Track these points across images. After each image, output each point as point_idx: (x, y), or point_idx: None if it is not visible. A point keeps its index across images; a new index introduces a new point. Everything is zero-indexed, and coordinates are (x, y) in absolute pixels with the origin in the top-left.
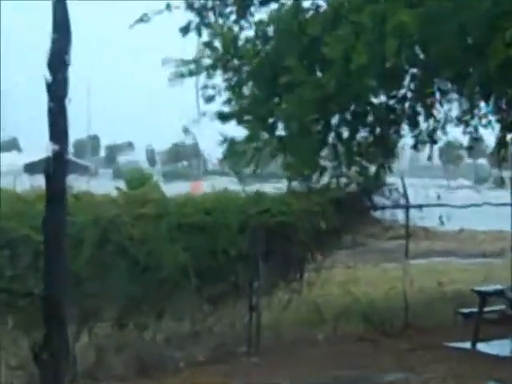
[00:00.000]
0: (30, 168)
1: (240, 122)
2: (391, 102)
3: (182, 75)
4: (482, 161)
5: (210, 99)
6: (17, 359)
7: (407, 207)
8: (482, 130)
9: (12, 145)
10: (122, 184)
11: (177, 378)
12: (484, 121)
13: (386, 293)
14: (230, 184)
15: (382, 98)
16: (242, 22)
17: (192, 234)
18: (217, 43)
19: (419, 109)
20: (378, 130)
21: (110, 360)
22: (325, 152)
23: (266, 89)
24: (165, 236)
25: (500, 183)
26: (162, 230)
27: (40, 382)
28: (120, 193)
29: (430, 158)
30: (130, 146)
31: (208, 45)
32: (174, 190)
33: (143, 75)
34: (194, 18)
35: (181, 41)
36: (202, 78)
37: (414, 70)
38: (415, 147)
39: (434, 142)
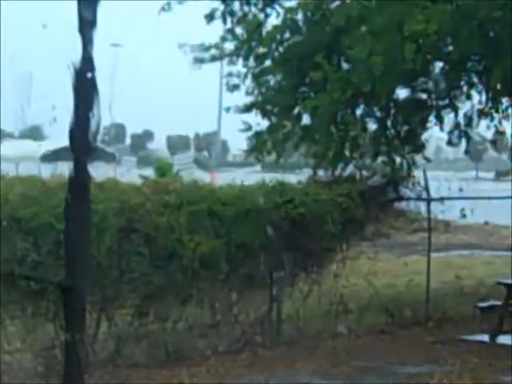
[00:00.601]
0: (50, 156)
1: (263, 111)
2: (418, 95)
3: (203, 61)
4: (504, 155)
5: (234, 88)
6: (41, 344)
7: (429, 200)
8: (504, 124)
9: (34, 133)
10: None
11: (200, 368)
12: (506, 114)
13: (408, 285)
14: (253, 174)
15: (408, 92)
16: (269, 10)
17: (216, 224)
18: (240, 30)
19: (445, 102)
20: (403, 123)
21: (131, 348)
22: (351, 144)
23: (292, 78)
24: (189, 225)
25: None
26: (187, 219)
27: (63, 367)
28: (147, 181)
29: (467, 152)
30: (150, 134)
31: (231, 31)
32: (202, 178)
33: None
34: (219, 5)
35: (205, 29)
36: (225, 66)
37: (441, 64)
38: (449, 143)
39: (466, 136)
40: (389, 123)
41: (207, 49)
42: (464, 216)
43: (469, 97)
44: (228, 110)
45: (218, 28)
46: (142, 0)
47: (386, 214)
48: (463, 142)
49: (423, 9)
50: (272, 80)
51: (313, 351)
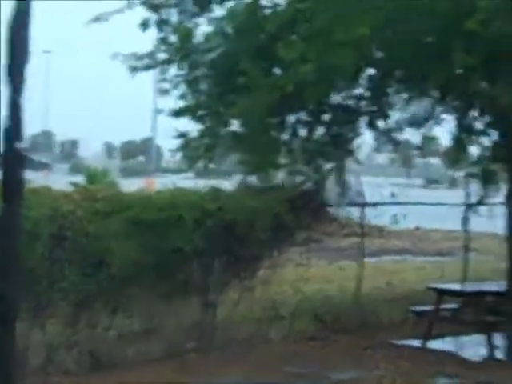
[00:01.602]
0: None
1: (194, 117)
2: (348, 101)
3: (136, 69)
4: (435, 161)
5: (164, 92)
6: None
7: (362, 205)
8: (435, 130)
9: None
10: (79, 179)
11: (130, 375)
12: (439, 121)
13: (340, 291)
14: (185, 181)
15: (339, 98)
16: (201, 19)
17: (147, 231)
18: (173, 38)
19: (375, 108)
20: (334, 128)
21: (62, 356)
22: (281, 150)
23: (222, 85)
24: (120, 232)
25: (452, 183)
26: (117, 226)
27: None
28: (77, 188)
29: (393, 160)
30: (83, 141)
31: (164, 40)
32: (130, 185)
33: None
34: (151, 14)
35: (141, 36)
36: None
37: (371, 70)
38: (377, 149)
39: (396, 143)
40: (320, 129)
41: (141, 58)
42: (396, 221)
43: (399, 103)
44: (160, 112)
45: (153, 35)
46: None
47: (318, 219)
48: (393, 148)
49: (357, 14)
50: (203, 86)
51: (245, 357)
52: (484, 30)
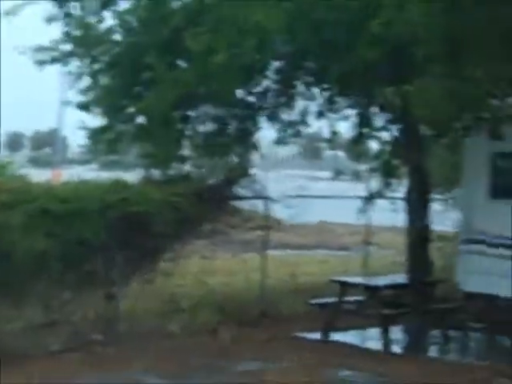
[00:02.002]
0: None
1: (97, 111)
2: (251, 95)
3: (44, 62)
4: (341, 154)
5: (70, 87)
6: None
7: (267, 198)
8: (340, 124)
9: None
10: None
11: (33, 367)
12: (342, 114)
13: (244, 283)
14: (90, 172)
15: (243, 92)
16: (104, 13)
17: (51, 222)
18: (76, 32)
19: (281, 101)
20: (238, 122)
21: None
22: (186, 143)
23: (125, 79)
24: (24, 224)
25: (356, 176)
26: (22, 218)
27: None
28: None
29: (295, 151)
30: None
31: (67, 34)
32: (38, 176)
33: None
34: (54, 7)
35: (46, 30)
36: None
37: (277, 63)
38: (279, 141)
39: (298, 135)
40: (225, 122)
41: (45, 51)
42: (300, 214)
43: (304, 97)
44: (66, 104)
45: (58, 29)
46: None
47: (223, 212)
48: (299, 141)
49: (263, 5)
50: (106, 80)
51: (146, 350)
52: (387, 30)
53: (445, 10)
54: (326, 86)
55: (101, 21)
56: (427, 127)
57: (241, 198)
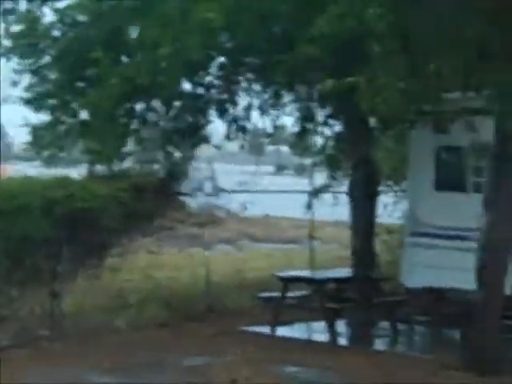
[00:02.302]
0: None
1: (42, 106)
2: (198, 89)
3: None
4: (285, 148)
5: (14, 84)
6: None
7: (213, 193)
8: (285, 118)
9: None
10: None
11: None
12: (286, 109)
13: (190, 278)
14: (35, 169)
15: (190, 86)
16: (47, 8)
17: None
18: (18, 28)
19: (226, 96)
20: (185, 116)
21: None
22: (131, 138)
23: (70, 74)
24: None
25: (300, 171)
26: None
27: None
28: None
29: (242, 146)
30: None
31: (8, 29)
32: None
33: None
34: None
35: None
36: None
37: (222, 58)
38: (228, 137)
39: (244, 130)
40: (171, 116)
41: None
42: (245, 208)
43: (249, 91)
44: (6, 100)
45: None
46: None
47: (169, 207)
48: (243, 135)
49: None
50: (50, 75)
51: (92, 346)
52: (338, 24)
53: (394, 6)
54: (269, 81)
55: (41, 17)
56: (374, 119)
57: (186, 194)
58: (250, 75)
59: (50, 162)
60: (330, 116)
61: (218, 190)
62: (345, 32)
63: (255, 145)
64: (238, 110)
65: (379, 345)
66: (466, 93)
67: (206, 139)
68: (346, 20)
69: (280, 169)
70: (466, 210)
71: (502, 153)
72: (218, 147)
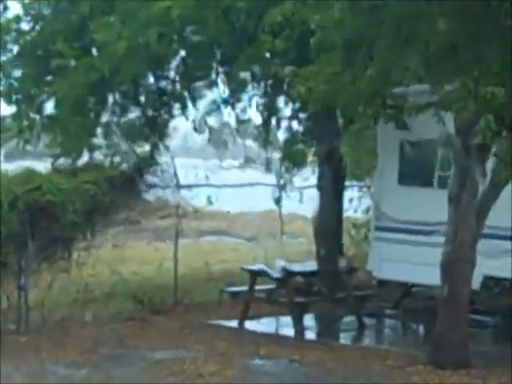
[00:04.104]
0: None
1: (9, 101)
2: (161, 83)
3: None
4: (251, 143)
5: None
6: None
7: (178, 187)
8: (250, 113)
9: None
10: None
11: None
12: (251, 103)
13: (157, 271)
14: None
15: (155, 80)
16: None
17: None
18: None
19: (190, 90)
20: (149, 110)
21: None
22: (98, 131)
23: (36, 67)
24: None
25: (266, 165)
26: None
27: None
28: None
29: (209, 140)
30: None
31: None
32: None
33: None
34: None
35: None
36: None
37: (183, 53)
38: (195, 130)
39: (207, 124)
40: (136, 111)
41: None
42: (211, 202)
43: (213, 86)
44: None
45: None
46: None
47: (136, 200)
48: (208, 129)
49: None
50: (16, 69)
51: (59, 340)
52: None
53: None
54: (234, 74)
55: (7, 9)
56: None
57: (152, 187)
58: (215, 68)
59: (14, 155)
60: (298, 110)
61: (181, 184)
62: (300, 23)
63: (221, 139)
64: (203, 104)
65: (347, 339)
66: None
67: (166, 135)
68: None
69: (246, 163)
70: (432, 205)
71: (464, 147)
72: (167, 148)
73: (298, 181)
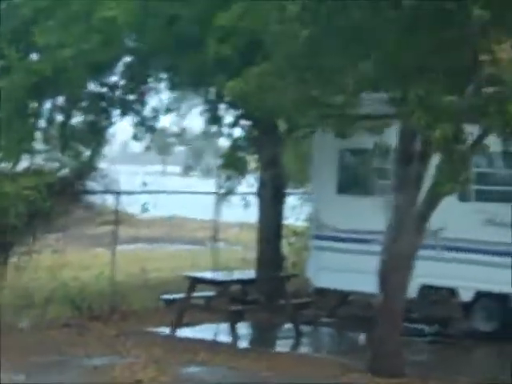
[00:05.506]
0: None
1: None
2: (103, 89)
3: None
4: (193, 149)
5: None
6: None
7: (117, 193)
8: (193, 119)
9: None
10: None
11: None
12: (193, 111)
13: (95, 278)
14: None
15: (96, 85)
16: None
17: None
18: None
19: (132, 97)
20: (90, 116)
21: None
22: (38, 135)
23: None
24: None
25: (207, 172)
26: None
27: None
28: None
29: (148, 147)
30: None
31: None
32: None
33: None
34: None
35: None
36: None
37: (128, 59)
38: (135, 137)
39: (152, 130)
40: (77, 115)
41: None
42: (147, 209)
43: (156, 92)
44: None
45: None
46: None
47: (75, 206)
48: (150, 135)
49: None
50: None
51: None
52: (238, 23)
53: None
54: (177, 82)
55: None
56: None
57: (91, 193)
58: (158, 75)
59: None
60: (240, 117)
61: (121, 191)
62: (246, 32)
63: (162, 145)
64: (146, 111)
65: (283, 346)
66: (370, 96)
67: (106, 141)
68: (245, 20)
69: (187, 169)
70: (370, 213)
71: (406, 156)
72: (103, 156)
73: (238, 187)
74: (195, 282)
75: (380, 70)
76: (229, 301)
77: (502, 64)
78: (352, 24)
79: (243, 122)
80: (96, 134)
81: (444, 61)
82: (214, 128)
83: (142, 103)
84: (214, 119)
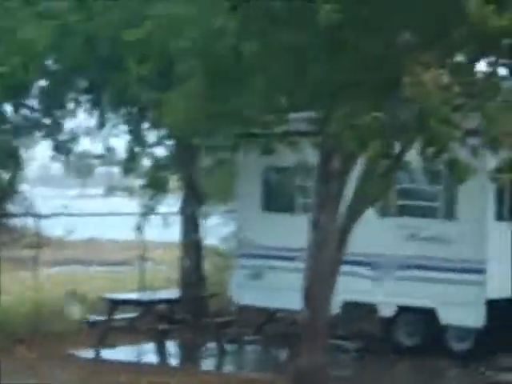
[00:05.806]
0: None
1: None
2: (21, 111)
3: None
4: (114, 170)
5: None
6: None
7: (37, 216)
8: (115, 140)
9: None
10: None
11: None
12: (115, 131)
13: (17, 301)
14: None
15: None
16: None
17: None
18: None
19: (49, 120)
20: (8, 138)
21: None
22: None
23: None
24: None
25: (130, 193)
26: None
27: None
28: None
29: (67, 169)
30: None
31: None
32: None
33: None
34: None
35: None
36: None
37: (44, 82)
38: (53, 158)
39: (68, 152)
40: None
41: None
42: (70, 232)
43: (74, 114)
44: None
45: None
46: None
47: None
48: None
49: (32, 22)
50: None
51: None
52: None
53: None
54: (98, 103)
55: None
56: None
57: (12, 215)
58: (77, 97)
59: None
60: (163, 137)
61: (41, 214)
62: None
63: (82, 167)
64: (64, 133)
65: (208, 365)
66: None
67: (23, 163)
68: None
69: (110, 191)
70: (294, 231)
71: (326, 173)
72: (24, 179)
73: (163, 207)
74: (115, 304)
75: (306, 90)
76: (155, 320)
77: (425, 87)
78: (279, 42)
79: (166, 141)
80: (14, 157)
81: (368, 79)
82: (137, 148)
83: (59, 126)
84: (137, 139)
